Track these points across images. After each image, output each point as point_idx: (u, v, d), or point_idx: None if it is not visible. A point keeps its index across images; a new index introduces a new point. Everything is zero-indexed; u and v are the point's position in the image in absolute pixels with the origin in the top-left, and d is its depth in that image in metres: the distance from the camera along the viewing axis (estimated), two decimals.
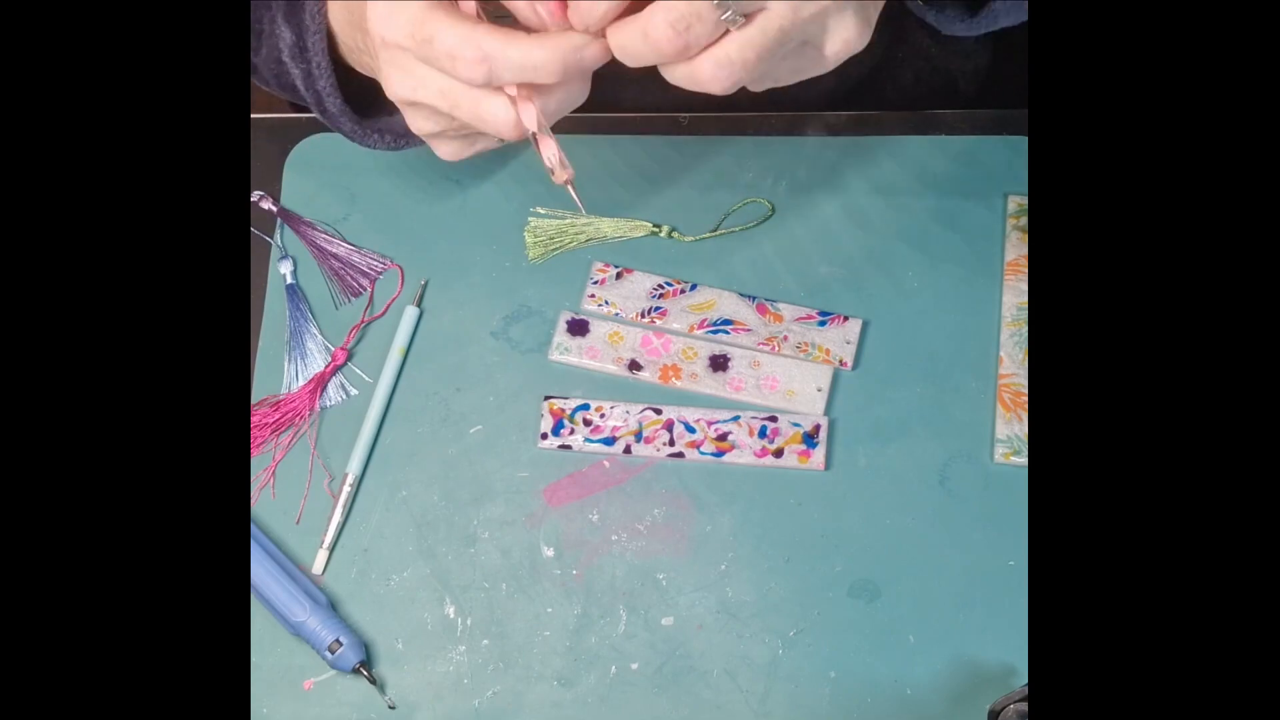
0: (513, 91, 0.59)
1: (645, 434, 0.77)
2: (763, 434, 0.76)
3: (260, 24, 0.70)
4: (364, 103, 0.71)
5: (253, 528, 0.75)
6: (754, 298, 0.80)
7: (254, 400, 0.78)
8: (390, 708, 0.72)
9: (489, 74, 0.57)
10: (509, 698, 0.72)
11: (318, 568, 0.75)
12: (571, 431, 0.77)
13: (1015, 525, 0.74)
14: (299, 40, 0.68)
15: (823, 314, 0.79)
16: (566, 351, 0.79)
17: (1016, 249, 0.81)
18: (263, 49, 0.71)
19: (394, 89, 0.61)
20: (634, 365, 0.79)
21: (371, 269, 0.82)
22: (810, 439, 0.76)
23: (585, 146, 0.85)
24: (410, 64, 0.60)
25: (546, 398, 0.78)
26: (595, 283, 0.81)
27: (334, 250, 0.82)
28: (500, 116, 0.59)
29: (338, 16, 0.67)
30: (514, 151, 0.85)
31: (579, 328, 0.80)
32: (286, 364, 0.79)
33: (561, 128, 0.86)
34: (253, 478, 0.77)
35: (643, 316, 0.80)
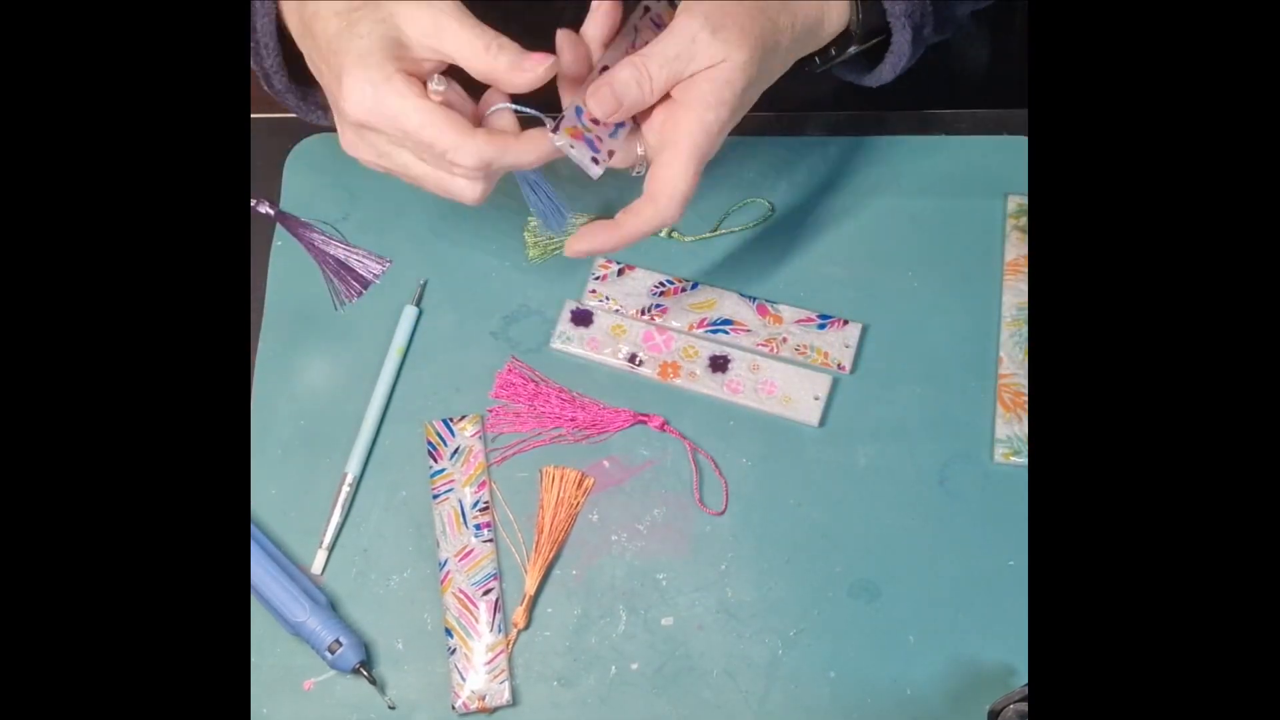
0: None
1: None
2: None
3: None
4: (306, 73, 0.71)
5: (253, 528, 0.75)
6: (754, 298, 0.80)
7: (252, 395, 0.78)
8: (390, 708, 0.72)
9: (484, 174, 0.65)
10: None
11: (317, 568, 0.75)
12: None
13: (1015, 525, 0.74)
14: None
15: (822, 317, 0.79)
16: (569, 341, 0.79)
17: (1016, 249, 0.81)
18: None
19: (355, 154, 0.67)
20: (634, 359, 0.79)
21: (371, 269, 0.82)
22: None
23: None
24: (382, 143, 0.65)
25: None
26: (597, 278, 0.81)
27: (333, 251, 0.82)
28: (466, 194, 0.66)
29: (288, 6, 0.68)
30: None
31: (583, 318, 0.80)
32: None
33: None
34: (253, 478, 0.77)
35: (643, 314, 0.80)
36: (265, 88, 0.73)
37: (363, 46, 0.63)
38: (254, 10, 0.68)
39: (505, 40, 0.64)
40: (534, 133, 0.65)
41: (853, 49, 0.72)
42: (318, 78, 0.68)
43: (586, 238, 0.70)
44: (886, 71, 0.74)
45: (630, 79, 0.65)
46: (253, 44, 0.70)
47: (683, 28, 0.65)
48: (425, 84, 0.64)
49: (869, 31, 0.71)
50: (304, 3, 0.66)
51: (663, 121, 0.67)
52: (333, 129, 0.72)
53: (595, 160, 0.66)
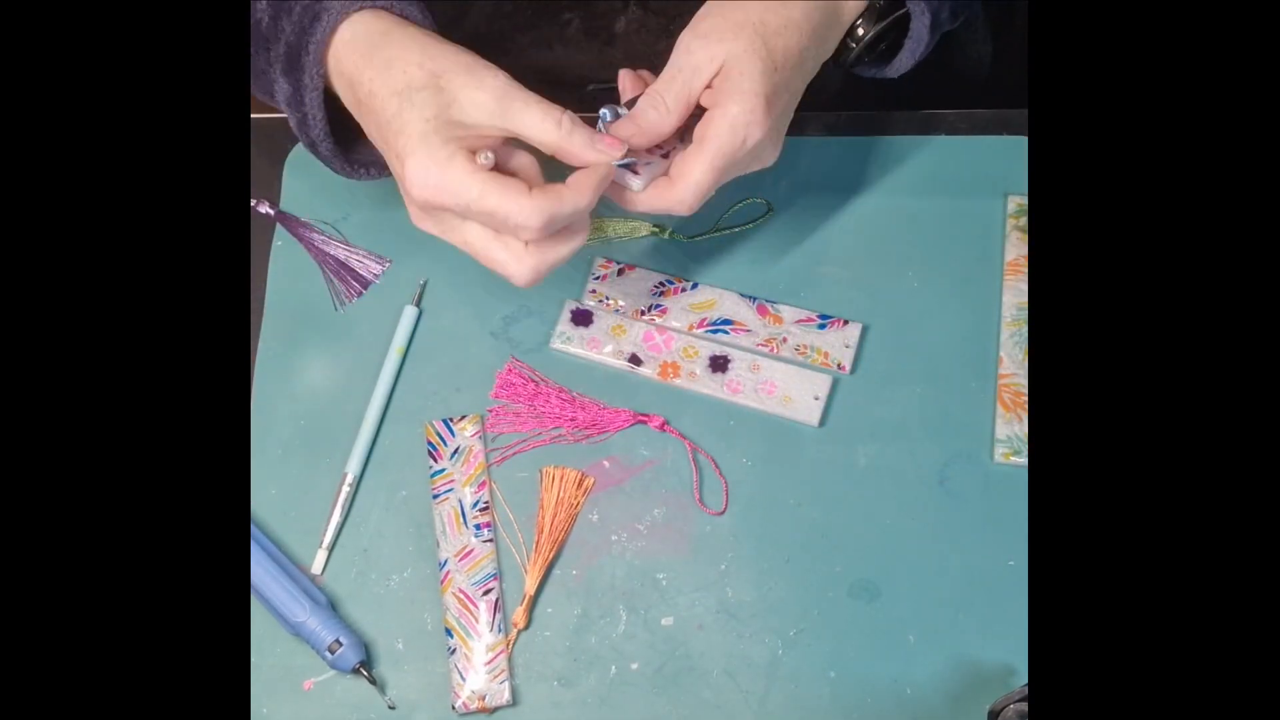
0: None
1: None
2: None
3: (257, 62, 0.72)
4: (348, 130, 0.73)
5: (253, 528, 0.75)
6: (754, 298, 0.80)
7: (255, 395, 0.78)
8: (390, 708, 0.72)
9: (549, 229, 0.66)
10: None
11: (317, 568, 0.75)
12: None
13: (1015, 525, 0.74)
14: (296, 94, 0.70)
15: (822, 317, 0.79)
16: (569, 341, 0.79)
17: (1016, 249, 0.81)
18: (256, 82, 0.73)
19: (422, 227, 0.70)
20: (634, 359, 0.79)
21: (371, 269, 0.82)
22: None
23: None
24: (448, 218, 0.68)
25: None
26: (597, 278, 0.81)
27: (333, 251, 0.82)
28: (511, 270, 0.68)
29: (339, 80, 0.70)
30: None
31: (583, 318, 0.80)
32: None
33: None
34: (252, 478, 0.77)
35: (643, 314, 0.80)
36: (309, 151, 0.74)
37: (423, 129, 0.65)
38: (302, 85, 0.69)
39: (573, 116, 0.66)
40: (580, 176, 0.67)
41: (877, 26, 0.74)
42: (379, 149, 0.70)
43: (604, 169, 0.68)
44: (905, 60, 0.76)
45: (645, 104, 0.69)
46: (299, 116, 0.71)
47: (678, 45, 0.69)
48: (475, 155, 0.66)
49: (885, 9, 0.74)
50: (358, 82, 0.68)
51: (699, 129, 0.70)
52: (381, 177, 0.75)
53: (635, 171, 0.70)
